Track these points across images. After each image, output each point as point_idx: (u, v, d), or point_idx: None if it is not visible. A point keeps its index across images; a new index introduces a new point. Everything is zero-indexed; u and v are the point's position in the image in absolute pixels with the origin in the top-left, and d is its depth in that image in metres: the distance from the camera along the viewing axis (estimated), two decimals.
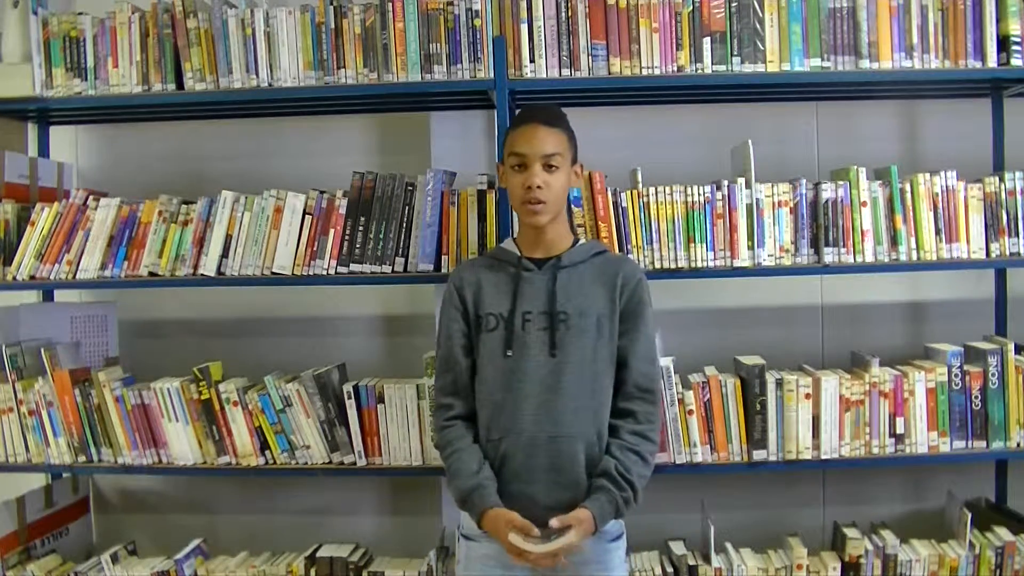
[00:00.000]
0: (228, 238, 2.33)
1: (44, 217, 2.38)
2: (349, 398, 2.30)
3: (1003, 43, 2.27)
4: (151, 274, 2.35)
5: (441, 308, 1.95)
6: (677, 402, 2.24)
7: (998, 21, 2.26)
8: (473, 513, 1.80)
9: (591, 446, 1.82)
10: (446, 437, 1.89)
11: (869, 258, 2.26)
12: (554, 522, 1.72)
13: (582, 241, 1.97)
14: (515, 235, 2.01)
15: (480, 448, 1.87)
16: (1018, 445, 2.26)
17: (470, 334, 1.90)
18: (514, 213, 2.03)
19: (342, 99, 2.43)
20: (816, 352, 2.64)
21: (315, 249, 2.31)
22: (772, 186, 2.26)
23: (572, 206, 2.25)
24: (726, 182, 2.26)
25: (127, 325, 2.74)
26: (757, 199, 2.25)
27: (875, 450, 2.26)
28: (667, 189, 2.26)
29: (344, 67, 2.29)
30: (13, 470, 2.42)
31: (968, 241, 2.27)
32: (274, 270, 2.31)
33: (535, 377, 1.81)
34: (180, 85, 2.34)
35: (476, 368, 1.90)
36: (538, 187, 1.83)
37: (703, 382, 2.26)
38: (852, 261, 2.25)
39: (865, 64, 2.27)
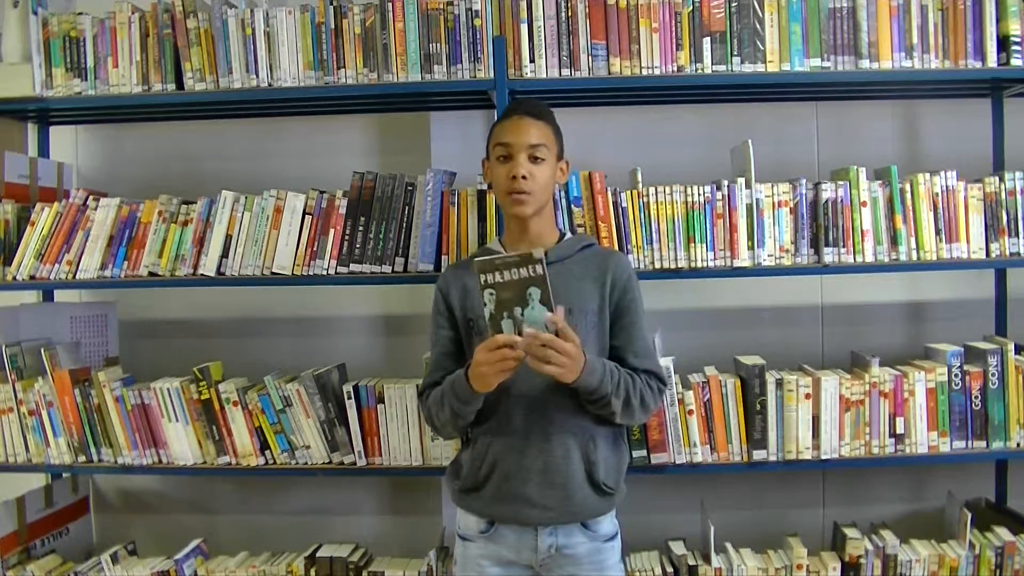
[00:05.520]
0: (228, 238, 2.33)
1: (44, 217, 2.38)
2: (349, 398, 2.30)
3: (1003, 43, 2.27)
4: (151, 274, 2.35)
5: (431, 313, 1.94)
6: (677, 402, 2.24)
7: (998, 21, 2.26)
8: (463, 388, 1.73)
9: (585, 444, 1.82)
10: (425, 402, 1.88)
11: (869, 258, 2.26)
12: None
13: (568, 236, 1.96)
14: (501, 236, 1.99)
15: (472, 448, 1.86)
16: (1018, 445, 2.26)
17: (457, 339, 1.90)
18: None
19: (342, 99, 2.43)
20: (816, 352, 2.64)
21: (315, 249, 2.31)
22: (772, 186, 2.26)
23: (572, 206, 2.25)
24: (726, 182, 2.26)
25: (127, 325, 2.74)
26: (757, 199, 2.25)
27: (875, 450, 2.26)
28: (667, 189, 2.26)
29: (344, 67, 2.29)
30: (13, 470, 2.42)
31: (968, 241, 2.27)
32: (274, 270, 2.31)
33: (527, 376, 1.77)
34: (180, 85, 2.35)
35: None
36: (523, 177, 1.81)
37: (703, 382, 2.26)
38: (852, 261, 2.25)
39: (865, 64, 2.27)
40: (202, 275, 2.32)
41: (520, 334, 1.63)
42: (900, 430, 2.25)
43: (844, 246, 2.25)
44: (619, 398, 1.76)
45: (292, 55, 2.30)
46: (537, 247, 1.86)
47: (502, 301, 1.64)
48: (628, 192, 2.26)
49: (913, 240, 2.27)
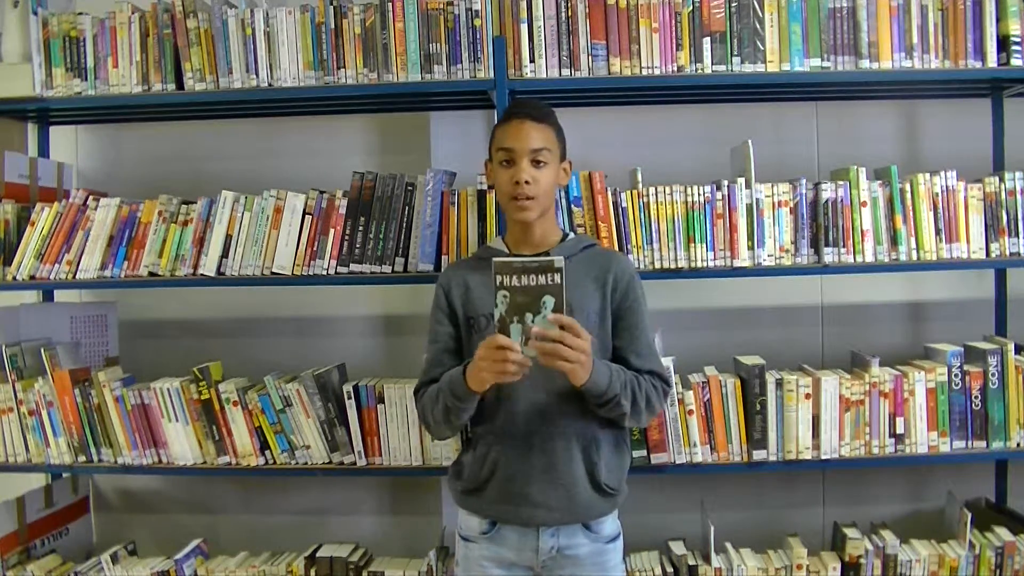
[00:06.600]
0: (228, 238, 2.33)
1: (44, 217, 2.38)
2: (349, 398, 2.30)
3: (1003, 43, 2.27)
4: (151, 274, 2.35)
5: (431, 310, 1.93)
6: (677, 402, 2.24)
7: (998, 21, 2.26)
8: (459, 384, 1.72)
9: (587, 446, 1.81)
10: (420, 399, 1.86)
11: (869, 258, 2.26)
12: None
13: (571, 236, 1.95)
14: (503, 235, 1.98)
15: (473, 449, 1.86)
16: (1018, 445, 2.26)
17: (458, 336, 1.89)
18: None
19: (342, 99, 2.43)
20: (816, 352, 2.64)
21: (315, 249, 2.31)
22: (772, 186, 2.26)
23: (572, 206, 2.25)
24: (726, 182, 2.26)
25: (127, 325, 2.74)
26: (757, 199, 2.25)
27: (875, 450, 2.26)
28: (667, 189, 2.26)
29: (344, 67, 2.29)
30: (13, 470, 2.42)
31: (968, 241, 2.27)
32: (274, 270, 2.31)
33: (532, 379, 1.75)
34: (180, 85, 2.35)
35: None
36: (526, 182, 1.80)
37: (703, 382, 2.26)
38: (852, 261, 2.25)
39: (865, 64, 2.27)
40: (202, 275, 2.32)
41: (527, 340, 1.62)
42: (900, 430, 2.25)
43: (844, 246, 2.25)
44: (627, 399, 1.75)
45: (292, 55, 2.30)
46: (541, 248, 1.88)
47: (514, 305, 1.63)
48: (628, 192, 2.26)
49: (913, 240, 2.27)
